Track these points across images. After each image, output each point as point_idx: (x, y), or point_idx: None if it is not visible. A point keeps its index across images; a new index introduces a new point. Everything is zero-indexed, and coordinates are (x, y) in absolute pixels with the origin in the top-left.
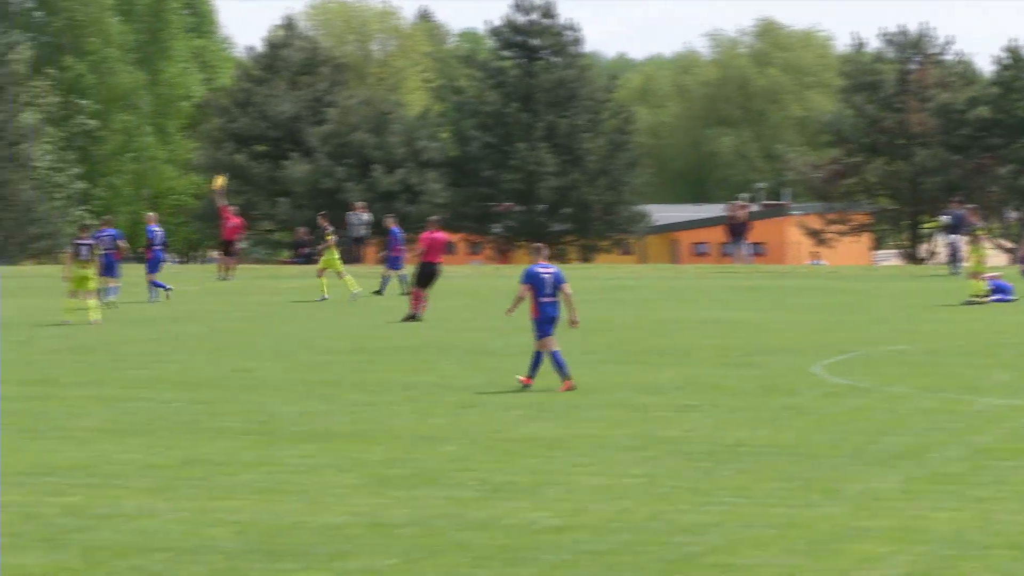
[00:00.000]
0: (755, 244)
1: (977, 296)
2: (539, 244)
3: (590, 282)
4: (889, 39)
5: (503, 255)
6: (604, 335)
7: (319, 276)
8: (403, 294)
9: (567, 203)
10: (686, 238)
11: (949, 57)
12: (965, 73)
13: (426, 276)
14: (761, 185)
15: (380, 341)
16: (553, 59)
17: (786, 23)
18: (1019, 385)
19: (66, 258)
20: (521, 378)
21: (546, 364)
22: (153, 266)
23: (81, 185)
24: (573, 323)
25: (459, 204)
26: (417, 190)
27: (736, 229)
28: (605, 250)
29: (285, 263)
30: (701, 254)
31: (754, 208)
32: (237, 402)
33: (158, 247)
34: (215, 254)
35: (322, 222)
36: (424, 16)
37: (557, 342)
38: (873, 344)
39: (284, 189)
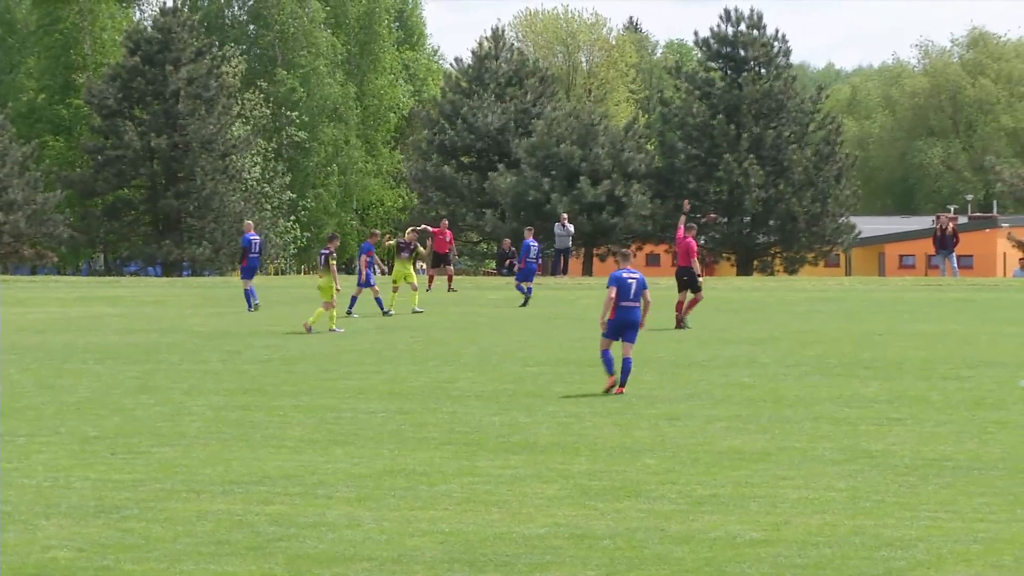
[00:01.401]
0: (962, 256)
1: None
2: (626, 250)
3: (796, 294)
4: None
5: (707, 267)
6: (810, 347)
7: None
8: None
9: (772, 215)
10: (892, 250)
11: None
12: None
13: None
14: (970, 196)
15: (585, 352)
16: (761, 70)
17: (998, 32)
18: None
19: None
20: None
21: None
22: (248, 273)
23: (289, 196)
24: (640, 326)
25: (664, 216)
26: (622, 202)
27: (943, 241)
28: (810, 262)
29: (490, 274)
30: (907, 266)
31: (962, 220)
32: (441, 412)
33: (254, 255)
34: (422, 266)
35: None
36: (631, 27)
37: (631, 350)
38: None
39: (490, 200)
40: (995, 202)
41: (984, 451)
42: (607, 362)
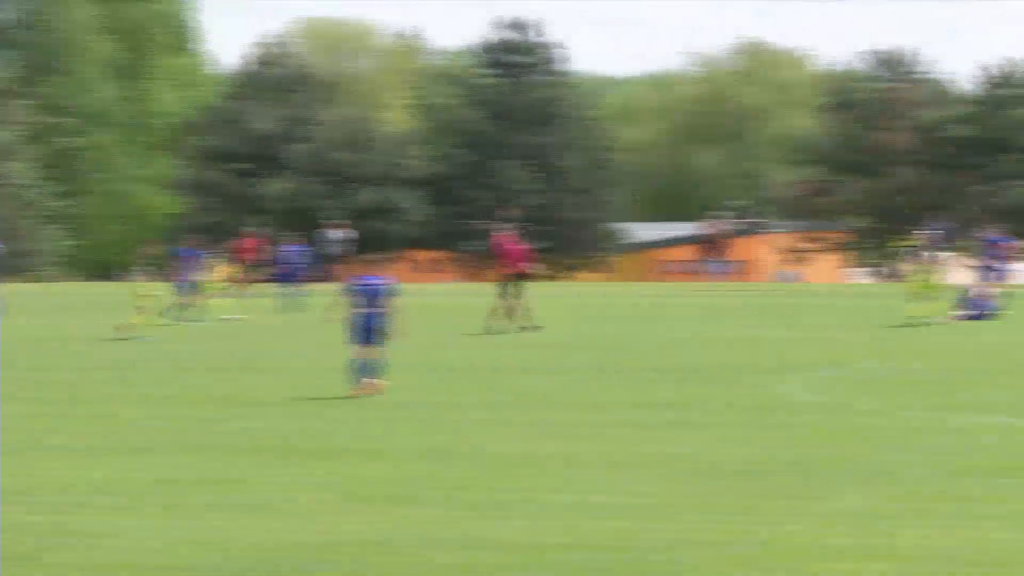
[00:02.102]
0: (732, 262)
1: (926, 316)
2: (377, 257)
3: (567, 300)
4: (872, 58)
5: (479, 273)
6: (582, 353)
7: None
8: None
9: (545, 221)
10: (663, 256)
11: (932, 76)
12: (947, 92)
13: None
14: (739, 203)
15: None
16: (535, 78)
17: (771, 40)
18: (989, 403)
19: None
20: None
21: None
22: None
23: (57, 203)
24: (398, 335)
25: (437, 222)
26: (395, 208)
27: (713, 246)
28: (583, 268)
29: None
30: (678, 271)
31: (731, 226)
32: (231, 421)
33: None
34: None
35: None
36: (407, 34)
37: (375, 352)
38: (849, 361)
39: (261, 207)
40: (763, 208)
41: (754, 454)
42: (358, 369)
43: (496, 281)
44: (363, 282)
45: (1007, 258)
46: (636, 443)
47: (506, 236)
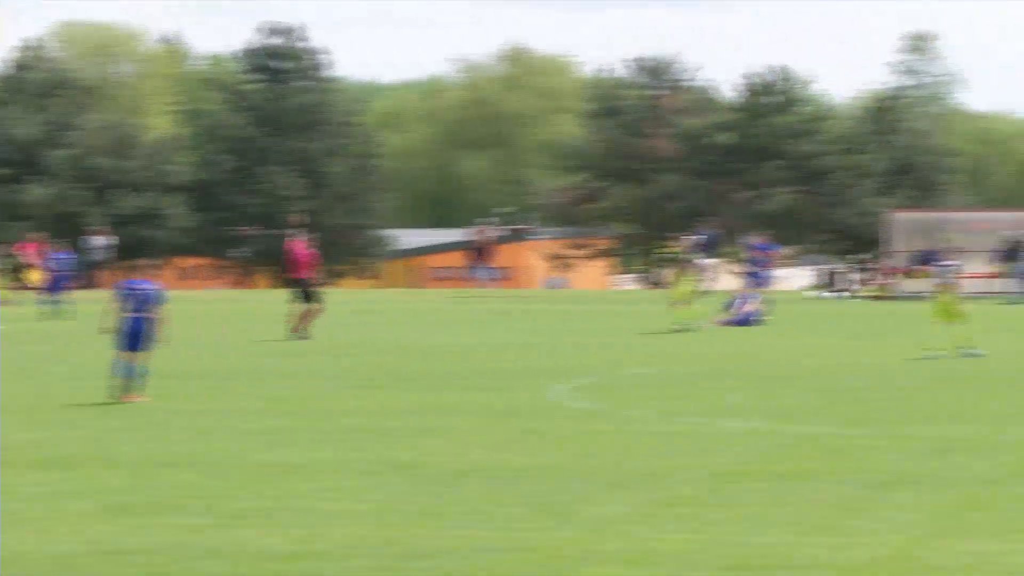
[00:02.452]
0: (498, 268)
1: (689, 322)
2: (143, 263)
3: (334, 307)
4: (639, 65)
5: (245, 280)
6: (347, 359)
7: None
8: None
9: (311, 227)
10: (430, 262)
11: (695, 83)
12: (710, 99)
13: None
14: (505, 209)
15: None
16: (301, 83)
17: (535, 48)
18: (753, 408)
19: None
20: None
21: None
22: None
23: None
24: (164, 342)
25: (202, 228)
26: (159, 214)
27: (479, 253)
28: (349, 274)
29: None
30: (444, 278)
31: (497, 232)
32: None
33: None
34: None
35: None
36: (170, 38)
37: (141, 358)
38: (613, 367)
39: (23, 213)
40: (530, 214)
41: (514, 460)
42: (121, 373)
43: (287, 288)
44: (133, 287)
45: (770, 265)
46: (396, 449)
47: (298, 243)
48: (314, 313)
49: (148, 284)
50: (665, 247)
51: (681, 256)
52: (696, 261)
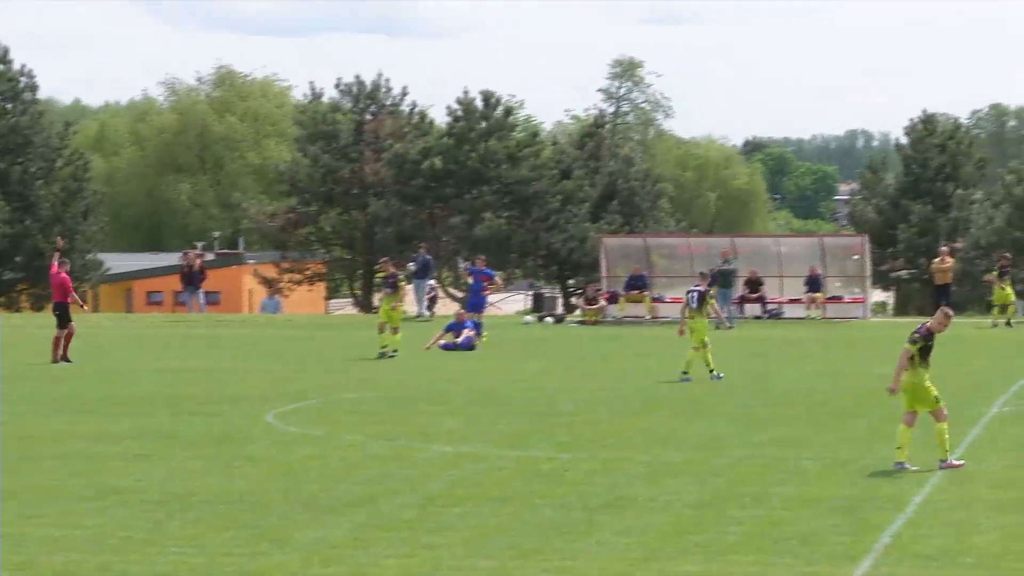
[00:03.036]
0: (210, 292)
1: (387, 348)
2: None
3: (42, 330)
4: (345, 89)
5: None
6: (59, 384)
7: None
8: None
9: (19, 251)
10: (141, 287)
11: (404, 108)
12: (420, 124)
13: None
14: (217, 233)
15: None
16: (7, 105)
17: (244, 71)
18: (468, 432)
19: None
20: None
21: None
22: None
23: None
24: None
25: None
26: None
27: (191, 277)
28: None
29: None
30: (156, 303)
31: (209, 256)
32: None
33: None
34: None
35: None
36: None
37: None
38: (328, 392)
39: None
40: (242, 238)
41: (230, 485)
42: None
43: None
44: None
45: (487, 290)
46: (111, 475)
47: (58, 266)
48: (69, 336)
49: None
50: (377, 272)
51: (385, 280)
52: (401, 286)
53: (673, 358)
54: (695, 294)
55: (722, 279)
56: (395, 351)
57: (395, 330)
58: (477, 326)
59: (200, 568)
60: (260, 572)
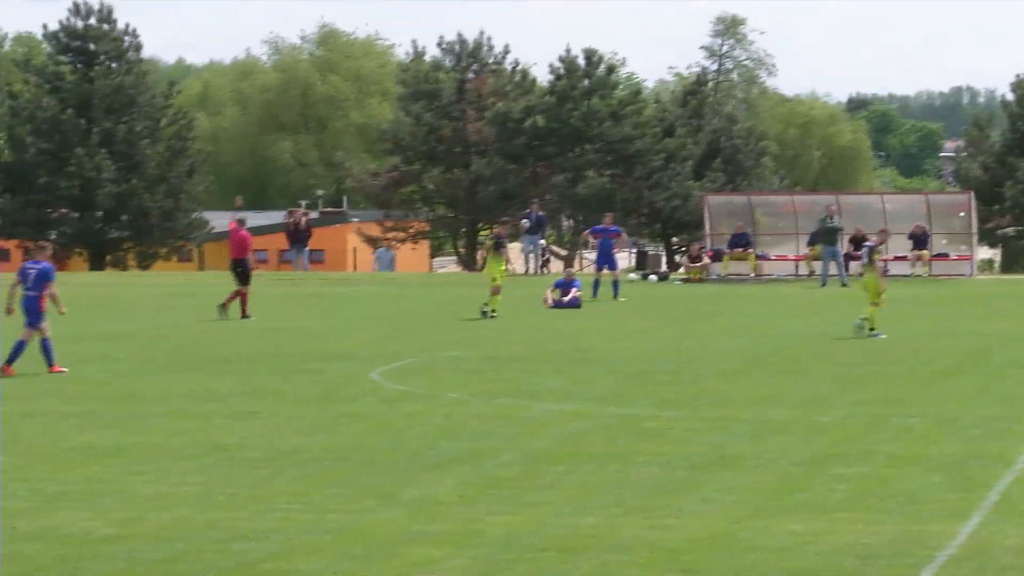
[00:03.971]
0: (314, 251)
1: (489, 307)
2: (43, 243)
3: (149, 289)
4: (447, 48)
5: (60, 262)
6: (164, 343)
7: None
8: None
9: (125, 210)
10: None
11: (506, 66)
12: (522, 82)
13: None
14: (320, 192)
15: None
16: (112, 64)
17: (348, 30)
18: (571, 390)
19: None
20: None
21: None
22: None
23: None
24: (61, 312)
25: (15, 211)
26: None
27: (297, 235)
28: (164, 257)
29: None
30: (261, 261)
31: (313, 215)
32: None
33: None
34: None
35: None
36: None
37: (48, 331)
38: (431, 350)
39: None
40: (345, 197)
41: (336, 442)
42: (45, 351)
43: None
44: (32, 266)
45: (616, 247)
46: (215, 433)
47: (235, 225)
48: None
49: (41, 264)
50: (484, 230)
51: (500, 240)
52: (507, 245)
53: (777, 316)
54: (866, 249)
55: (827, 236)
56: (495, 312)
57: (497, 290)
58: (614, 285)
59: (307, 524)
60: (366, 528)
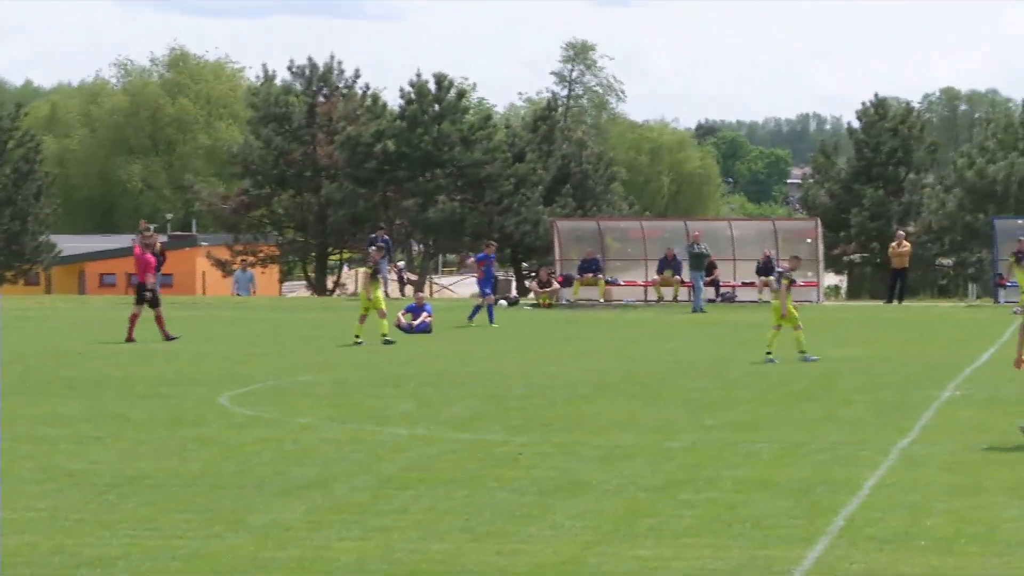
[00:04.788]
0: (163, 275)
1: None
2: None
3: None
4: (297, 71)
5: None
6: (9, 367)
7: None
8: None
9: None
10: (93, 268)
11: (356, 90)
12: (372, 107)
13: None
14: (169, 215)
15: None
16: None
17: (198, 53)
18: (421, 415)
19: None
20: None
21: None
22: None
23: None
24: None
25: None
26: None
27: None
28: (10, 280)
29: None
30: (108, 284)
31: (163, 239)
32: None
33: None
34: None
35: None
36: None
37: None
38: (282, 375)
39: None
40: (194, 221)
41: (184, 468)
42: None
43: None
44: None
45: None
46: (62, 457)
47: (139, 248)
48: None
49: None
50: (338, 254)
51: (371, 266)
52: (372, 269)
53: (628, 341)
54: (776, 275)
55: (693, 262)
56: (386, 335)
57: (382, 313)
58: (490, 310)
59: (154, 550)
60: (214, 554)
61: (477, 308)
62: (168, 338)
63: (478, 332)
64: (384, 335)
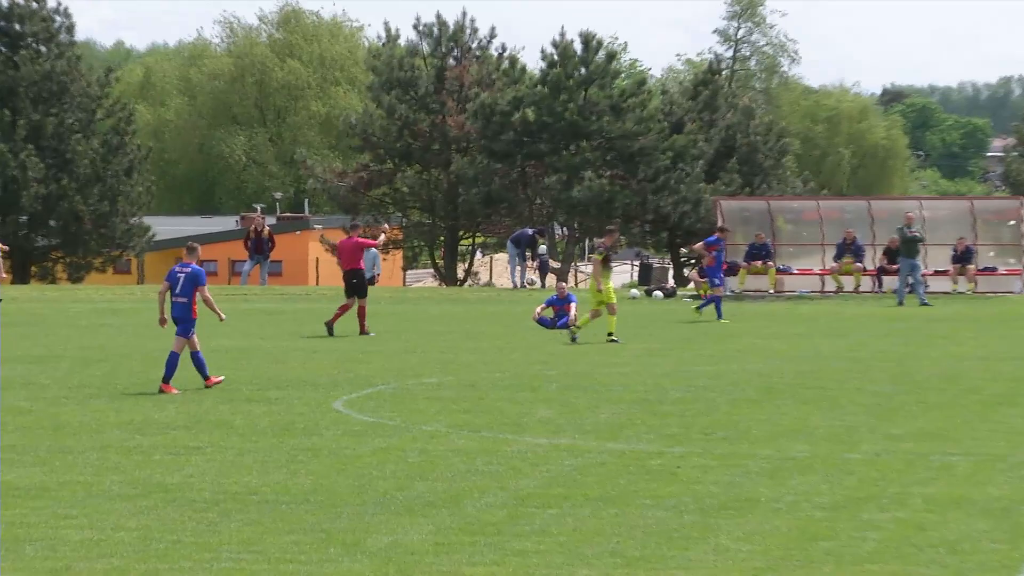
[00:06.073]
0: (271, 262)
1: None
2: (192, 243)
3: (80, 305)
4: (424, 31)
5: None
6: (97, 366)
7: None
8: None
9: (54, 214)
10: None
11: (491, 52)
12: (510, 71)
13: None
14: (278, 195)
15: None
16: (40, 48)
17: (312, 9)
18: (562, 422)
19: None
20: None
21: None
22: None
23: None
24: (220, 318)
25: None
26: None
27: (257, 246)
28: (98, 268)
29: None
30: (209, 273)
31: (270, 221)
32: None
33: None
34: None
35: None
36: None
37: (196, 343)
38: (405, 376)
39: None
40: (307, 200)
41: (293, 482)
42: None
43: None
44: (181, 269)
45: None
46: (157, 470)
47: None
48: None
49: (190, 266)
50: (470, 239)
51: (602, 253)
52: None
53: (798, 338)
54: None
55: (906, 248)
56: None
57: (612, 308)
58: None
59: (258, 575)
60: None
61: (708, 300)
62: (364, 332)
63: (629, 327)
64: (610, 333)
